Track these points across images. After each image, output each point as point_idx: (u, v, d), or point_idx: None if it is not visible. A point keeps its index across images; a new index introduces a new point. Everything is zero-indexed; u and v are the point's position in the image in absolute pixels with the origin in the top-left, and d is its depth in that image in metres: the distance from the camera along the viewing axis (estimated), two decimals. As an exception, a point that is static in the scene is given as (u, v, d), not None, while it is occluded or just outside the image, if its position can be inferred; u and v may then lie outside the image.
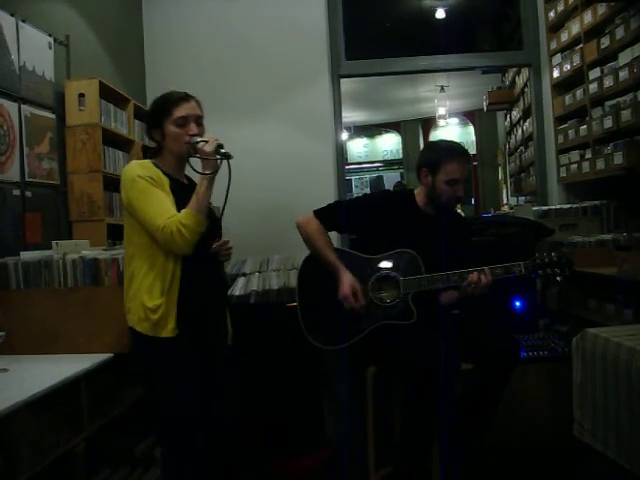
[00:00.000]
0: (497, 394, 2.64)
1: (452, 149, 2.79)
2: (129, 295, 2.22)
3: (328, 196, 4.50)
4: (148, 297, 2.15)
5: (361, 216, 2.83)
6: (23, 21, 3.12)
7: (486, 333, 2.69)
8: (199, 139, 2.23)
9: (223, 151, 2.21)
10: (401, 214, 2.82)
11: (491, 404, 2.65)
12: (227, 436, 2.34)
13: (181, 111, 2.25)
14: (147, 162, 2.26)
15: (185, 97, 2.28)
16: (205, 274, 2.30)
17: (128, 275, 2.23)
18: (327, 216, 2.85)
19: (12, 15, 3.03)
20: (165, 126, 2.25)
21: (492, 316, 2.91)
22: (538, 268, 2.65)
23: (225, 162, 2.21)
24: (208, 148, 2.19)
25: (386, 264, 2.73)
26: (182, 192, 2.23)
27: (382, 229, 2.78)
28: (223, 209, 2.32)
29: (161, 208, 2.14)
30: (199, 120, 2.29)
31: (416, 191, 2.89)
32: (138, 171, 2.18)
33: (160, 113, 2.26)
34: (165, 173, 2.24)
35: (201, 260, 2.24)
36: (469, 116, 12.63)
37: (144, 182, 2.16)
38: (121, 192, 2.24)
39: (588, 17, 4.07)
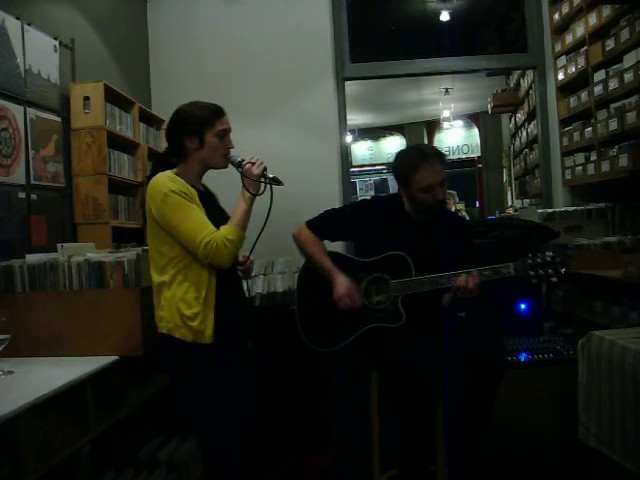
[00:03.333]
0: (486, 400, 2.63)
1: (418, 156, 2.69)
2: (160, 304, 2.24)
3: (333, 199, 4.50)
4: (184, 305, 2.19)
5: (350, 224, 2.83)
6: (29, 24, 3.13)
7: (473, 338, 2.64)
8: (241, 159, 2.29)
9: (271, 176, 2.29)
10: (390, 220, 2.80)
11: (481, 409, 2.64)
12: (251, 436, 2.38)
13: (223, 124, 2.30)
14: (173, 175, 2.26)
15: (223, 110, 2.33)
16: (232, 282, 2.35)
17: (157, 285, 2.25)
18: (318, 226, 2.86)
19: (18, 18, 3.05)
20: (205, 136, 2.26)
21: (482, 321, 2.86)
22: (529, 269, 2.58)
23: (268, 187, 2.27)
24: (255, 171, 2.25)
25: (378, 267, 2.73)
26: (207, 202, 2.29)
27: (372, 236, 2.78)
28: (261, 232, 2.31)
29: (200, 223, 2.18)
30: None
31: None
32: (170, 185, 2.18)
33: (202, 122, 2.26)
34: (190, 184, 2.26)
35: (229, 270, 2.28)
36: (474, 118, 12.63)
37: (178, 197, 2.17)
38: (150, 206, 2.23)
39: (593, 19, 4.06)
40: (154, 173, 2.29)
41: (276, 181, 2.29)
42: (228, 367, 2.27)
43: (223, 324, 2.24)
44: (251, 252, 2.44)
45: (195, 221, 2.17)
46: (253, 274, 3.70)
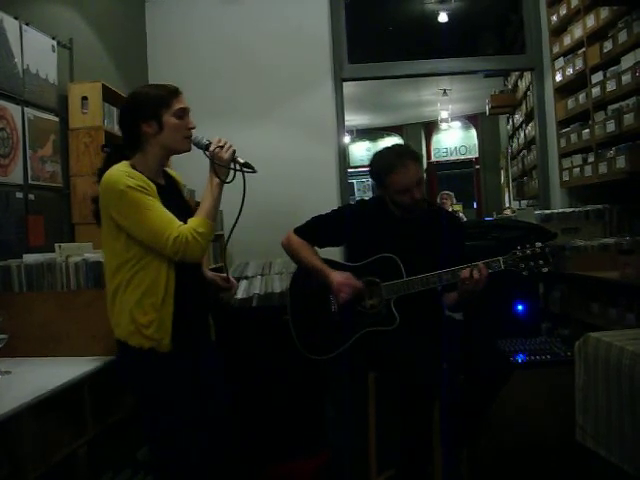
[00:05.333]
0: (483, 407, 2.63)
1: (392, 157, 2.69)
2: (115, 310, 2.11)
3: (330, 200, 4.51)
4: (139, 311, 2.06)
5: (338, 229, 2.83)
6: (27, 24, 3.13)
7: (476, 353, 2.62)
8: (207, 141, 2.17)
9: (242, 161, 2.16)
10: (376, 222, 2.80)
11: (478, 414, 2.64)
12: (222, 433, 2.29)
13: (180, 102, 2.16)
14: (128, 168, 2.09)
15: (179, 90, 2.20)
16: (193, 282, 2.23)
17: (112, 289, 2.11)
18: (306, 232, 2.85)
19: (16, 18, 3.04)
20: (163, 117, 2.12)
21: (478, 323, 2.85)
22: (519, 262, 2.56)
23: (239, 174, 2.14)
24: (225, 155, 2.12)
25: (368, 271, 2.72)
26: (166, 196, 2.13)
27: (361, 239, 2.78)
28: (234, 226, 2.22)
29: (165, 218, 2.04)
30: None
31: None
32: (126, 181, 2.02)
33: (157, 104, 2.12)
34: (148, 177, 2.10)
35: (189, 268, 2.16)
36: (472, 119, 12.65)
37: (137, 193, 2.02)
38: (103, 203, 2.09)
39: (591, 21, 4.07)
40: (108, 166, 2.13)
41: (248, 166, 2.15)
42: (188, 370, 2.15)
43: (183, 328, 2.12)
44: (226, 246, 2.34)
45: (158, 217, 2.03)
46: (250, 274, 3.70)
